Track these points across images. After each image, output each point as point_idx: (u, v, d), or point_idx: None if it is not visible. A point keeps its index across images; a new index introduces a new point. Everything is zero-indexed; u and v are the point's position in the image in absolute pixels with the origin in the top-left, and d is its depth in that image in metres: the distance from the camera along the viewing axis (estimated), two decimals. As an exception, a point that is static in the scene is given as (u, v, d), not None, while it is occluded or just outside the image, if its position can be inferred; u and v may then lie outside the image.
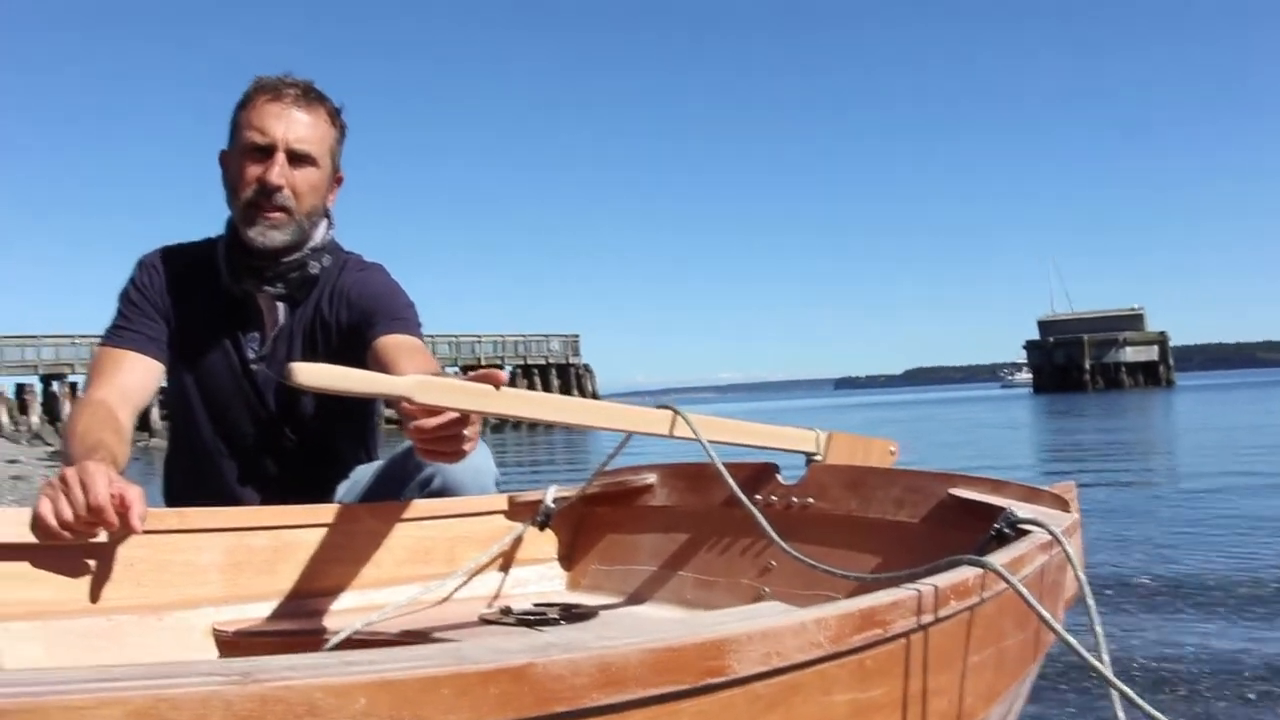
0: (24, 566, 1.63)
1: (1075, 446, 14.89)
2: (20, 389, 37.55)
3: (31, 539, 1.59)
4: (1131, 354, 64.42)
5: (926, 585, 1.11)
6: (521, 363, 47.15)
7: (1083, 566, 1.49)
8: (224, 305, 2.06)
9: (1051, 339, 66.95)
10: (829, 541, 1.85)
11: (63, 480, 1.56)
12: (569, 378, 47.84)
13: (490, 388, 1.44)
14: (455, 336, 49.15)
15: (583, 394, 38.97)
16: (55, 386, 37.92)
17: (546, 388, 42.15)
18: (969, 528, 1.67)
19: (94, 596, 1.69)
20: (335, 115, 2.05)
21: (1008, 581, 1.24)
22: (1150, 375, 63.61)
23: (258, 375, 2.07)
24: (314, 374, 1.39)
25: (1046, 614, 1.22)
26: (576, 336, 51.34)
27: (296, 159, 1.96)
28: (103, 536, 1.64)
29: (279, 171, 1.94)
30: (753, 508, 1.62)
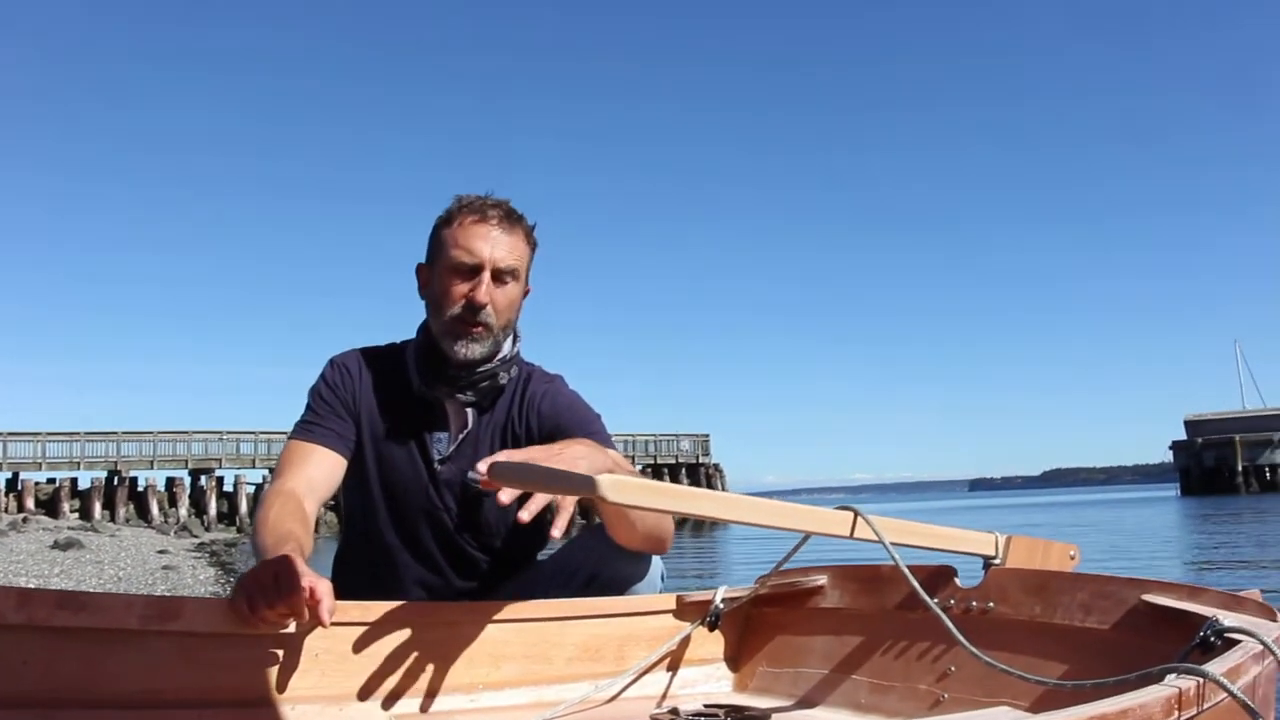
0: (220, 654, 1.68)
1: (1235, 554, 14.15)
2: (170, 482, 39.03)
3: (227, 628, 1.65)
4: (1289, 454, 61.34)
5: (1150, 694, 1.08)
6: (652, 462, 47.04)
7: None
8: (412, 407, 2.13)
9: (1200, 440, 64.13)
10: (1011, 647, 1.79)
11: (259, 573, 1.62)
12: (699, 477, 47.51)
13: (681, 488, 1.46)
14: (584, 435, 49.02)
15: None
16: (203, 481, 39.27)
17: (675, 486, 41.57)
18: (1166, 636, 1.61)
19: (280, 685, 1.73)
20: (530, 233, 2.13)
21: (1229, 692, 1.19)
22: (1311, 477, 60.43)
23: (441, 474, 2.12)
24: (506, 471, 1.42)
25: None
26: (707, 436, 51.05)
27: (499, 277, 2.05)
28: (291, 627, 1.70)
29: (485, 290, 2.03)
30: (939, 610, 1.59)
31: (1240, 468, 60.82)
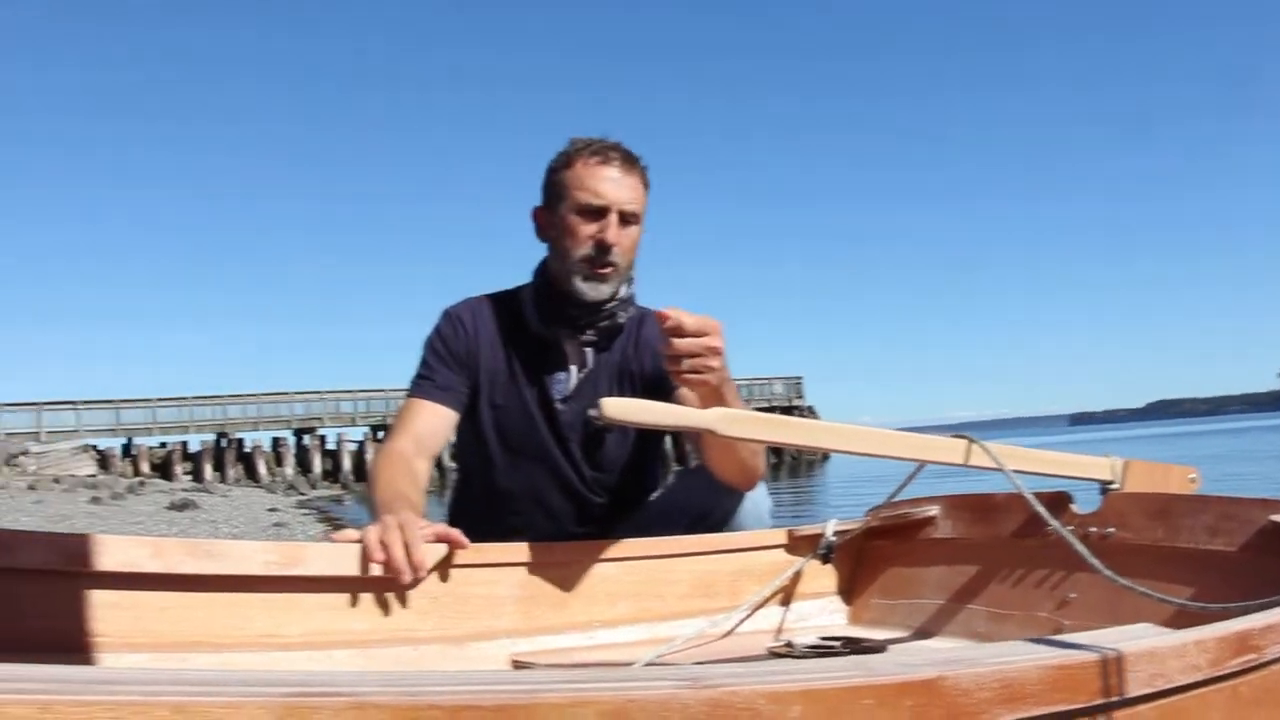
0: (344, 598, 1.73)
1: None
2: (276, 442, 40.01)
3: (352, 573, 1.69)
4: None
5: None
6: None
7: None
8: (531, 349, 2.17)
9: (1312, 365, 61.94)
10: (1134, 572, 1.75)
11: (384, 522, 1.72)
12: (792, 420, 47.10)
13: (793, 420, 1.46)
14: (678, 381, 48.69)
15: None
16: (306, 440, 40.17)
17: (769, 430, 41.26)
18: None
19: (403, 627, 1.77)
20: (645, 176, 2.16)
21: None
22: None
23: (562, 415, 2.16)
24: (622, 408, 1.43)
25: None
26: (800, 378, 50.58)
27: (624, 219, 2.09)
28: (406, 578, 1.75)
29: (614, 232, 2.07)
30: (1067, 534, 1.55)
31: (1356, 392, 58.60)
